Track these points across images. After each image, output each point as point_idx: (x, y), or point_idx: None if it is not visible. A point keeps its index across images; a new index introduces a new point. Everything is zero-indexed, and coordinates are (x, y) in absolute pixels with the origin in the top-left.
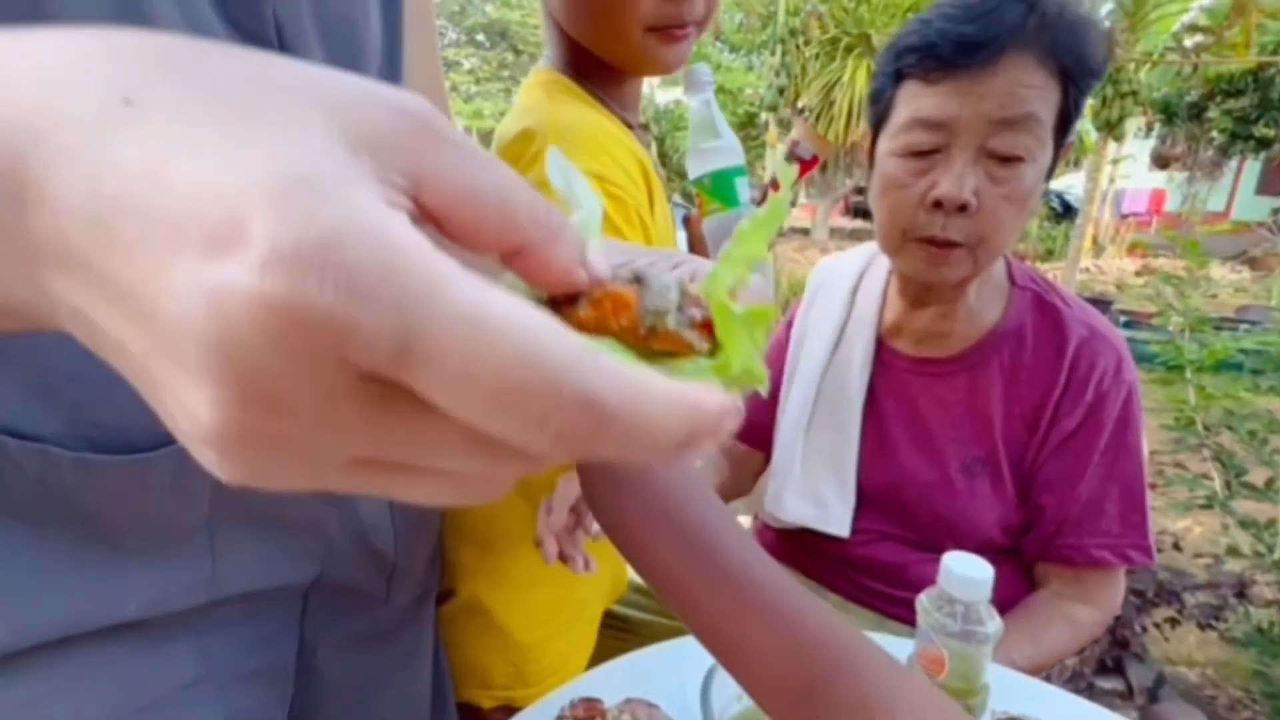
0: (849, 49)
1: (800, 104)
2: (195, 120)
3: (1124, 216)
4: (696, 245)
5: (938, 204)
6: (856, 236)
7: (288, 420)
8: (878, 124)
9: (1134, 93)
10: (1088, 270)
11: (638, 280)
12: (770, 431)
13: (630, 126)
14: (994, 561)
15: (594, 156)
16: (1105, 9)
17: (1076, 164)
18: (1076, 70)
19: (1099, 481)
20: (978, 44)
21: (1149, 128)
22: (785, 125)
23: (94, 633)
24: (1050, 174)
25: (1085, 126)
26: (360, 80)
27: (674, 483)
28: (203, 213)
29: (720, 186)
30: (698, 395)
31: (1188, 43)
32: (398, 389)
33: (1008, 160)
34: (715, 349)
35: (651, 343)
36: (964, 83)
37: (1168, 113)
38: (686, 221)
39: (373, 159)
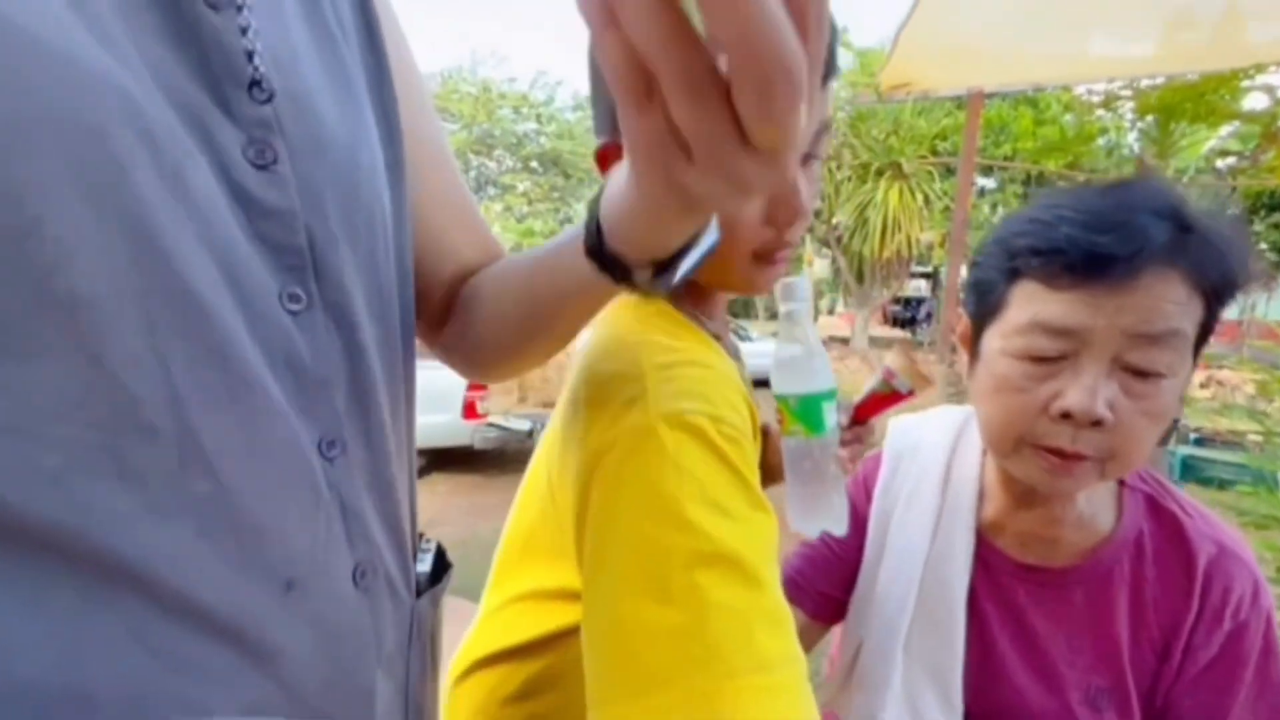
0: (879, 172)
1: (835, 220)
2: None
3: None
4: (770, 459)
5: (1066, 415)
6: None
7: None
8: (983, 316)
9: None
10: None
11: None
12: (840, 605)
13: (719, 337)
14: None
15: (706, 399)
16: (1130, 136)
17: None
18: (1222, 287)
19: None
20: (1114, 257)
21: None
22: (821, 241)
23: None
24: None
25: None
26: None
27: None
28: None
29: (807, 410)
30: None
31: (1220, 164)
32: None
33: (1146, 375)
34: None
35: None
36: (1097, 293)
37: None
38: (765, 432)
39: None
